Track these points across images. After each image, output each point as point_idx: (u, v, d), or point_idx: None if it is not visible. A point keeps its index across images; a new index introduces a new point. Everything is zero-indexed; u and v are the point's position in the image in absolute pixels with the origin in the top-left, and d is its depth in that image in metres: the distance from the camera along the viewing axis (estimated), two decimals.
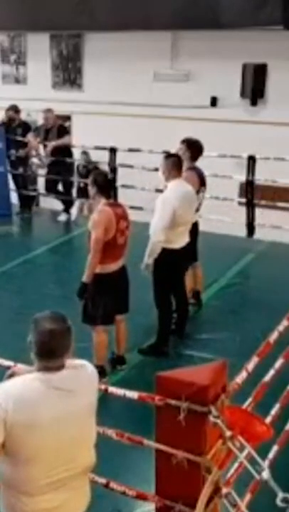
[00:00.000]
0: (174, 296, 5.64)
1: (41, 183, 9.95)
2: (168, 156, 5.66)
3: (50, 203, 10.18)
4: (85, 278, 4.90)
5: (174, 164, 5.44)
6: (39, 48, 12.13)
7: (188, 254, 5.66)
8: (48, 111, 9.47)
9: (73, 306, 4.99)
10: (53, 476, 2.47)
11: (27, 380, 2.48)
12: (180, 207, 5.30)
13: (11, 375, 2.68)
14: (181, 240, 5.47)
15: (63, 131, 9.56)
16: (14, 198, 9.89)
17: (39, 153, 9.73)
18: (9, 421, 2.37)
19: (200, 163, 6.12)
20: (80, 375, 2.56)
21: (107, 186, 5.12)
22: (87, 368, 2.63)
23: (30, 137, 9.47)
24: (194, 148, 6.02)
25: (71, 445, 2.49)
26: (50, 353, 2.45)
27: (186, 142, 6.03)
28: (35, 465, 2.43)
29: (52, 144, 9.27)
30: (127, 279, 5.17)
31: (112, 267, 4.98)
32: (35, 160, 9.89)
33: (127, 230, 5.02)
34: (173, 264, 5.43)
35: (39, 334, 2.46)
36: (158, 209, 5.30)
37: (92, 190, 5.02)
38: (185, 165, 5.83)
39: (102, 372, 4.90)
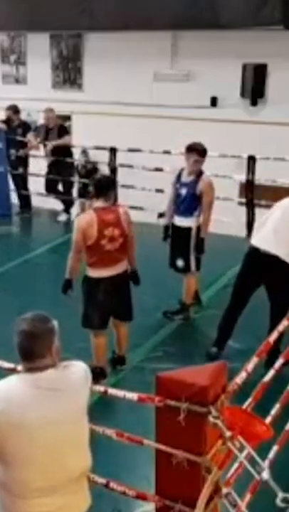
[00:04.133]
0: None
1: (40, 183, 9.91)
2: None
3: (49, 203, 10.16)
4: (67, 275, 5.02)
5: None
6: (39, 48, 12.12)
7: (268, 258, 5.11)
8: (50, 111, 9.48)
9: (73, 306, 4.99)
10: (50, 480, 2.44)
11: (12, 381, 2.48)
12: None
13: None
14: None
15: (63, 131, 9.57)
16: (14, 197, 9.90)
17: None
18: None
19: None
20: (69, 375, 2.53)
21: (103, 190, 4.90)
22: (78, 367, 2.59)
23: (30, 137, 9.48)
24: (205, 154, 5.99)
25: (64, 446, 2.46)
26: (28, 354, 2.46)
27: (197, 150, 5.91)
28: (28, 467, 2.41)
29: (52, 144, 9.28)
30: (126, 287, 5.07)
31: (104, 272, 4.89)
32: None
33: (121, 237, 4.83)
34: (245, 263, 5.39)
35: (17, 335, 2.48)
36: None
37: (91, 192, 5.04)
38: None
39: (101, 374, 4.91)
